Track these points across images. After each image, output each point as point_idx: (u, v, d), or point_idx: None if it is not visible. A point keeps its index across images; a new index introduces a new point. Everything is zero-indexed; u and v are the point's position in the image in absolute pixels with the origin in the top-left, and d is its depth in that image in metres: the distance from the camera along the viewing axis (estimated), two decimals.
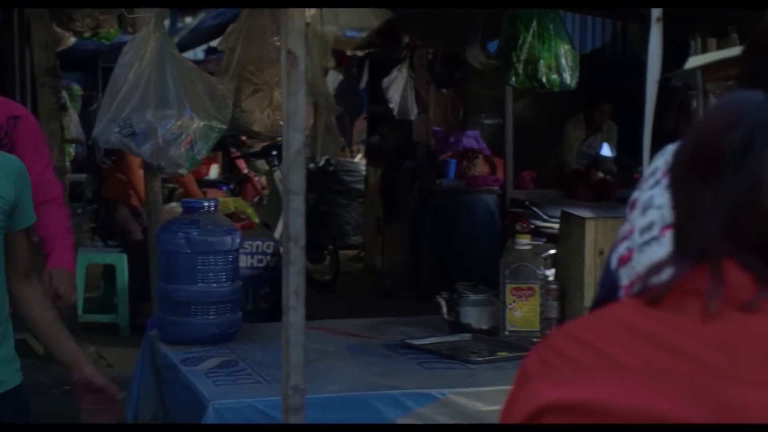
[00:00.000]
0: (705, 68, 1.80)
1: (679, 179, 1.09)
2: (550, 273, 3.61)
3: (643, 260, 1.40)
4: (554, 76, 4.45)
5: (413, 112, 7.46)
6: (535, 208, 6.45)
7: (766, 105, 1.07)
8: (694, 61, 1.89)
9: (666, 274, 1.05)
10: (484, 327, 3.38)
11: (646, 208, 1.41)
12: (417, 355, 3.12)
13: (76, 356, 2.26)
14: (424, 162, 7.63)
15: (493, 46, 4.90)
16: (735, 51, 1.70)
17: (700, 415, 0.98)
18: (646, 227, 1.40)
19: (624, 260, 1.43)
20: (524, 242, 3.43)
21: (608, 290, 1.43)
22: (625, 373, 1.02)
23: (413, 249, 7.30)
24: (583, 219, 3.44)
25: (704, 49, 3.87)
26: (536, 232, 5.92)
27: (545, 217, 6.24)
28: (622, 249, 1.44)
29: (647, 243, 1.39)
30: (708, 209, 1.04)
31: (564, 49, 4.47)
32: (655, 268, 1.06)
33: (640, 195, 1.44)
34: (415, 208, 7.31)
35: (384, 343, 3.26)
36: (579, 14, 6.95)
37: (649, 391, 1.00)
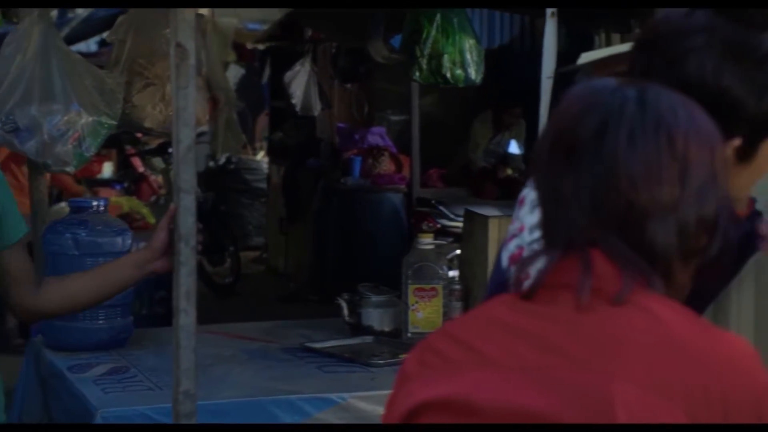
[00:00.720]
0: (599, 64, 1.86)
1: (541, 169, 1.13)
2: (455, 273, 3.66)
3: None
4: (459, 72, 4.50)
5: (317, 107, 7.46)
6: (441, 207, 6.51)
7: (618, 91, 1.13)
8: (586, 57, 1.95)
9: (538, 266, 1.09)
10: (387, 329, 3.42)
11: (535, 206, 1.45)
12: (317, 358, 3.14)
13: (132, 263, 2.13)
14: (328, 160, 7.65)
15: (397, 40, 4.94)
16: (626, 47, 1.76)
17: (570, 411, 1.02)
18: (536, 225, 1.44)
19: (514, 258, 1.47)
20: (427, 242, 3.47)
21: (498, 288, 1.47)
22: (497, 369, 1.05)
23: (317, 250, 7.31)
24: (487, 218, 3.51)
25: (608, 44, 3.97)
26: (443, 232, 5.99)
27: (452, 216, 6.31)
28: (512, 247, 1.49)
29: (537, 241, 1.43)
30: (571, 197, 1.09)
31: (469, 43, 4.53)
32: (528, 261, 1.10)
33: (530, 192, 1.48)
34: (319, 208, 7.32)
35: (283, 347, 3.27)
36: (486, 9, 7.05)
37: (519, 387, 1.04)
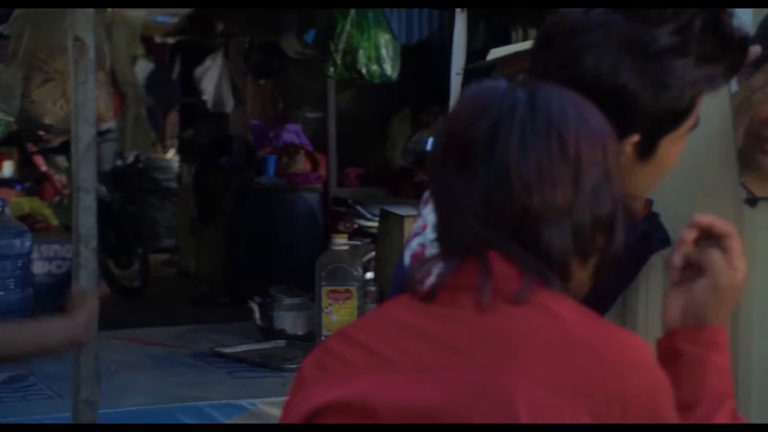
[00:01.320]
0: (508, 60, 1.89)
1: (435, 172, 1.15)
2: (372, 275, 3.69)
3: None
4: (374, 67, 4.54)
5: (229, 104, 7.43)
6: (359, 207, 6.54)
7: (508, 93, 1.15)
8: (495, 53, 1.98)
9: (438, 269, 1.11)
10: (300, 332, 3.43)
11: None
12: (227, 364, 3.13)
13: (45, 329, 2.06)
14: (241, 158, 7.61)
15: (312, 35, 4.95)
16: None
17: (471, 410, 1.04)
18: None
19: (417, 257, 1.49)
20: (341, 242, 3.49)
21: (401, 288, 1.50)
22: (397, 370, 1.07)
23: (230, 251, 7.27)
24: (402, 217, 3.54)
25: (525, 39, 4.02)
26: (360, 232, 6.02)
27: (370, 216, 6.34)
28: (414, 245, 1.51)
29: None
30: (465, 202, 1.11)
31: (384, 39, 4.56)
32: (427, 264, 1.12)
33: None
34: (232, 208, 7.28)
35: (192, 352, 3.26)
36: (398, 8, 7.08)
37: (420, 388, 1.06)
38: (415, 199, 6.39)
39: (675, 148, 1.43)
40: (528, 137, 1.12)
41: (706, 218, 1.26)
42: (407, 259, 1.52)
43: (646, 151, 1.40)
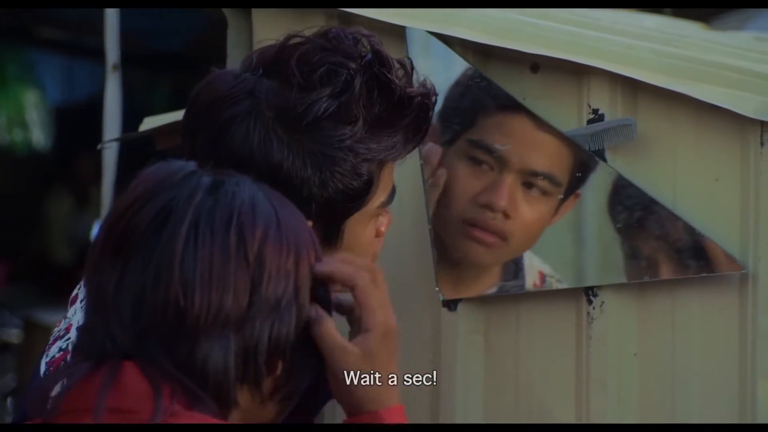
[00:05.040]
0: (167, 131, 1.91)
1: (92, 263, 1.17)
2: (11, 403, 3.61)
3: None
4: (19, 135, 4.49)
5: None
6: (5, 313, 6.41)
7: (192, 177, 1.18)
8: (150, 122, 2.01)
9: (63, 382, 1.12)
10: None
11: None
12: None
13: None
14: None
15: None
16: None
17: None
18: None
19: (56, 363, 1.49)
20: None
21: (35, 401, 1.50)
22: None
23: None
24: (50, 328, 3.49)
25: None
26: (4, 347, 5.88)
27: (17, 324, 6.21)
28: (54, 351, 1.51)
29: None
30: (113, 301, 1.13)
31: (32, 98, 4.53)
32: (60, 375, 1.13)
33: (84, 288, 1.51)
34: None
35: None
36: (65, 55, 7.06)
37: None
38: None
39: (367, 229, 1.48)
40: (202, 230, 1.15)
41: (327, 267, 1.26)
42: (43, 367, 1.50)
43: (329, 237, 1.44)
